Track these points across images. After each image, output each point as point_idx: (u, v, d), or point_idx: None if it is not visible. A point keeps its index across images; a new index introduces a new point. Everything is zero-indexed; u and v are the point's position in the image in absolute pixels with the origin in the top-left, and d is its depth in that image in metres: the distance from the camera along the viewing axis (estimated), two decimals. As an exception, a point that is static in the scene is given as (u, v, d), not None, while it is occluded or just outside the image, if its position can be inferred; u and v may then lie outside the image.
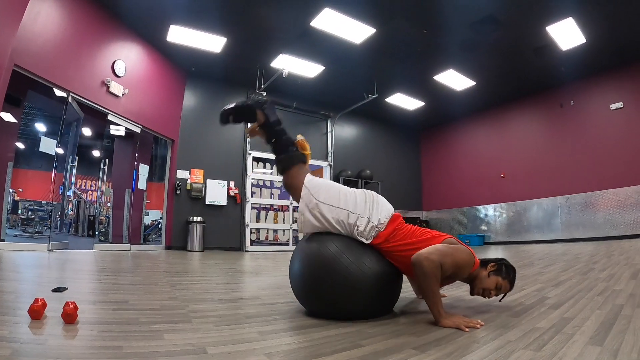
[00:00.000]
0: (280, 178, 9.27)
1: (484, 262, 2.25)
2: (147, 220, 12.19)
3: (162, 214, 10.42)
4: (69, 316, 1.71)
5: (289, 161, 2.36)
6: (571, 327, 1.75)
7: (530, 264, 5.22)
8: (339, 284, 2.02)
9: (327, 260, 2.08)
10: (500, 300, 2.35)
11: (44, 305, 1.76)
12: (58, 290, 2.51)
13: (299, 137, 2.42)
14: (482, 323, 1.86)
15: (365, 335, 1.72)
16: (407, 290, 2.51)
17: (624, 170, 9.95)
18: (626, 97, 10.24)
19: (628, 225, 9.65)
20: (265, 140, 2.49)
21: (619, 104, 10.31)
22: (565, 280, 3.36)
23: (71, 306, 1.73)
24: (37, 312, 1.72)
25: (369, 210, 2.21)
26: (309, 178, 2.31)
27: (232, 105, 2.47)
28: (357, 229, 2.16)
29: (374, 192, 2.37)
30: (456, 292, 2.92)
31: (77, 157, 11.30)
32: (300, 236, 2.38)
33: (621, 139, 10.17)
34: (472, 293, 2.28)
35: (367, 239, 2.17)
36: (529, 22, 8.38)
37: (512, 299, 2.54)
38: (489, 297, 2.25)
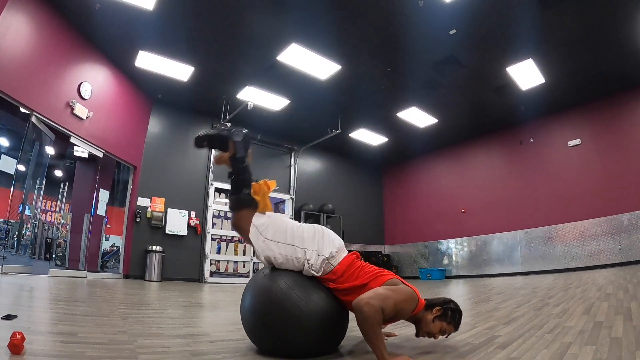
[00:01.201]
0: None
1: (430, 305, 2.28)
2: (107, 245, 11.91)
3: (121, 240, 10.22)
4: (16, 347, 1.68)
5: (238, 203, 2.37)
6: (516, 367, 1.78)
7: (487, 299, 5.30)
8: (286, 318, 2.04)
9: (276, 296, 2.10)
10: (446, 337, 2.37)
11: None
12: (8, 317, 2.45)
13: (260, 181, 2.42)
14: None
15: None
16: (356, 329, 2.53)
17: (582, 204, 10.29)
18: (583, 133, 10.70)
19: (587, 257, 9.93)
20: (227, 174, 2.50)
21: (577, 141, 10.75)
22: (519, 316, 3.42)
23: (18, 337, 1.69)
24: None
25: (317, 243, 2.25)
26: (257, 217, 2.33)
27: (209, 132, 2.50)
28: (308, 262, 2.19)
29: (322, 226, 2.40)
30: (405, 330, 2.94)
31: (44, 179, 11.06)
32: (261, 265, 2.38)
33: (579, 174, 10.58)
34: (417, 335, 2.31)
35: (318, 272, 2.20)
36: (489, 63, 8.74)
37: (461, 338, 2.57)
38: (434, 339, 2.28)
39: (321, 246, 2.24)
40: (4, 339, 1.78)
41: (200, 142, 2.52)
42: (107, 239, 11.41)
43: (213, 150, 2.62)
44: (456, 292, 7.31)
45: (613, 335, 2.32)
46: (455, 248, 13.25)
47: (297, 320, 2.04)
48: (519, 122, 11.91)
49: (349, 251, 2.37)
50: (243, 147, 2.43)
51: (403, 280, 2.24)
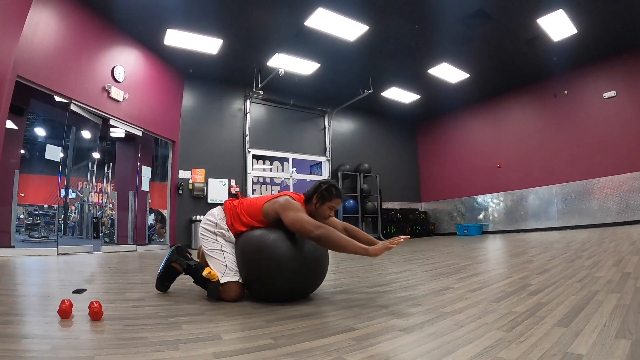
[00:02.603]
0: (281, 174, 9.45)
1: (308, 197, 2.61)
2: (151, 219, 12.36)
3: (165, 213, 10.63)
4: (96, 314, 1.91)
5: (215, 293, 2.53)
6: (544, 311, 1.93)
7: (522, 252, 5.41)
8: (271, 262, 2.38)
9: (265, 245, 2.44)
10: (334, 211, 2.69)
11: (71, 305, 1.96)
12: (78, 291, 2.69)
13: (205, 271, 2.57)
14: (405, 237, 2.21)
15: (358, 320, 1.92)
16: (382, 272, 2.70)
17: (618, 157, 10.15)
18: (618, 85, 10.42)
19: (623, 211, 9.86)
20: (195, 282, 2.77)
21: (612, 93, 10.49)
22: (551, 268, 3.54)
23: (96, 305, 1.92)
24: (65, 312, 1.92)
25: (210, 223, 2.68)
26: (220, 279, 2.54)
27: (158, 275, 2.81)
28: (224, 229, 2.62)
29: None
30: (446, 281, 3.12)
31: (93, 162, 11.49)
32: None
33: (614, 127, 10.37)
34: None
35: (227, 229, 2.62)
36: (519, 15, 8.54)
37: (496, 286, 2.72)
38: (331, 216, 2.64)
39: (211, 220, 2.69)
40: (82, 309, 2.03)
41: (163, 286, 2.84)
42: (151, 213, 11.82)
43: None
44: (492, 246, 7.42)
45: (639, 285, 2.43)
46: (492, 203, 13.27)
47: (281, 263, 2.37)
48: (552, 74, 11.66)
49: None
50: (182, 259, 2.76)
51: (271, 197, 2.60)
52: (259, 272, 2.40)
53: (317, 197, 2.55)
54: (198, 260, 2.89)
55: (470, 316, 1.92)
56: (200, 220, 9.69)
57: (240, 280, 2.50)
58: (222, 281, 2.47)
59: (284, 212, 2.41)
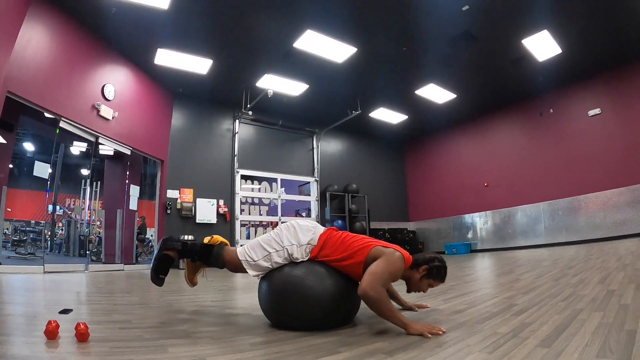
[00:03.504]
0: (269, 194, 9.43)
1: (416, 263, 2.49)
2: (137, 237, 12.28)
3: (152, 232, 10.56)
4: (82, 335, 1.89)
5: (218, 258, 2.58)
6: (528, 331, 1.96)
7: (509, 271, 5.45)
8: (303, 301, 2.30)
9: (292, 282, 2.36)
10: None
11: (58, 326, 1.95)
12: (64, 312, 2.67)
13: (206, 239, 2.63)
14: (444, 329, 2.07)
15: (343, 343, 1.94)
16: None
17: (604, 173, 10.29)
18: (603, 103, 10.62)
19: (610, 227, 9.96)
20: (192, 261, 2.77)
21: (597, 110, 10.68)
22: (537, 286, 3.58)
23: (83, 326, 1.91)
24: (52, 333, 1.91)
25: (293, 238, 2.48)
26: (239, 251, 2.55)
27: (152, 268, 2.72)
28: (293, 257, 2.43)
29: (293, 221, 2.62)
30: (432, 302, 3.14)
31: (86, 180, 11.42)
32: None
33: (600, 143, 10.53)
34: (408, 291, 2.56)
35: (305, 257, 2.44)
36: (504, 36, 8.72)
37: (482, 307, 2.75)
38: (424, 292, 2.54)
39: (297, 238, 2.47)
40: (68, 330, 2.02)
41: (158, 279, 2.75)
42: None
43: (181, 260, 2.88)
44: (481, 265, 7.47)
45: (622, 302, 2.46)
46: (480, 222, 13.35)
47: (314, 302, 2.29)
48: (538, 93, 11.86)
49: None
50: (172, 243, 2.71)
51: (386, 244, 2.44)
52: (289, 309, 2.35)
53: (427, 269, 2.46)
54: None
55: (454, 338, 1.94)
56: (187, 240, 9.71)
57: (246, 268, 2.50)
58: (239, 257, 2.49)
59: (382, 261, 2.29)
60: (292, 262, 2.45)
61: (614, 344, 1.59)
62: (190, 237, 9.85)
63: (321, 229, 2.58)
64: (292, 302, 2.31)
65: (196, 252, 2.67)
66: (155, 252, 2.74)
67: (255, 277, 2.51)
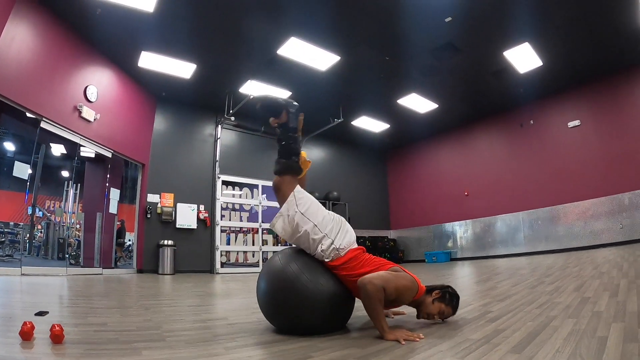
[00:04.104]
0: (250, 200, 9.38)
1: (430, 289, 2.48)
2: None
3: (132, 236, 10.45)
4: (57, 337, 1.88)
5: (286, 167, 2.59)
6: (500, 337, 1.97)
7: (487, 279, 5.49)
8: (297, 299, 2.26)
9: (288, 278, 2.31)
10: (443, 321, 2.53)
11: (33, 327, 1.93)
12: (40, 314, 2.64)
13: (304, 153, 2.62)
14: (422, 336, 2.07)
15: (317, 349, 1.93)
16: (362, 309, 2.74)
17: (583, 184, 10.48)
18: (583, 114, 10.83)
19: (588, 236, 10.13)
20: (276, 139, 2.68)
21: (576, 122, 10.88)
22: (513, 294, 3.61)
23: (58, 328, 1.89)
24: (27, 334, 1.89)
25: (334, 233, 2.46)
26: (299, 189, 2.55)
27: (268, 97, 2.68)
28: (321, 247, 2.40)
29: (343, 219, 2.61)
30: (408, 309, 3.15)
31: (67, 182, 11.26)
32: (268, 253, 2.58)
33: (579, 154, 10.74)
34: (418, 317, 2.52)
35: (326, 258, 2.41)
36: (486, 48, 8.86)
37: (457, 314, 2.75)
38: (433, 320, 2.48)
39: (336, 236, 2.45)
40: (43, 331, 2.00)
41: (256, 103, 2.70)
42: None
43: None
44: (459, 273, 7.50)
45: (596, 309, 2.48)
46: (460, 230, 13.45)
47: (307, 300, 2.26)
48: (519, 104, 12.05)
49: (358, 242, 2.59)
50: (295, 118, 2.63)
51: (405, 270, 2.44)
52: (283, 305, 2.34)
53: (441, 293, 2.46)
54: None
55: (426, 343, 1.95)
56: (167, 245, 9.65)
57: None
58: (293, 189, 2.54)
59: (395, 274, 2.31)
60: (290, 256, 2.44)
61: (585, 350, 1.60)
62: (170, 242, 9.79)
63: (354, 244, 2.56)
64: (285, 296, 2.30)
65: (287, 146, 2.64)
66: (284, 100, 2.67)
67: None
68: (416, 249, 14.71)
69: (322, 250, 2.41)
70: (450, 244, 13.70)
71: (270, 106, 2.66)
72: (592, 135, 10.62)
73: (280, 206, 2.58)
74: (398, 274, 2.33)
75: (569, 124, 11.06)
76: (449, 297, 2.47)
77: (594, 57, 9.44)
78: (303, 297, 2.26)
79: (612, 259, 6.38)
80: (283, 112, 2.62)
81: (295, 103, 2.67)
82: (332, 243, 2.42)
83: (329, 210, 2.64)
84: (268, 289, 2.40)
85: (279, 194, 2.61)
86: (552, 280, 4.42)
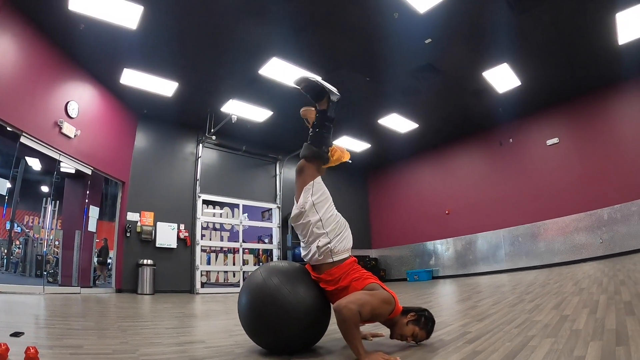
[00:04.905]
0: (231, 220, 9.29)
1: (406, 311, 2.49)
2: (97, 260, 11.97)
3: (111, 255, 10.30)
4: (32, 360, 1.84)
5: (315, 155, 2.59)
6: (478, 359, 1.99)
7: (467, 298, 5.52)
8: (278, 310, 2.28)
9: (269, 291, 2.33)
10: (416, 343, 2.51)
11: (7, 349, 1.89)
12: (16, 335, 2.59)
13: (335, 145, 2.65)
14: (399, 359, 2.07)
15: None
16: (336, 331, 2.72)
17: (562, 200, 10.63)
18: (561, 132, 11.04)
19: (569, 251, 10.25)
20: (310, 125, 2.70)
21: (555, 140, 11.09)
22: (493, 313, 3.63)
23: (32, 350, 1.86)
24: (1, 356, 1.85)
25: (334, 234, 2.49)
26: (319, 180, 2.59)
27: (315, 80, 2.66)
28: (317, 243, 2.44)
29: (347, 224, 2.66)
30: (386, 331, 3.15)
31: (47, 198, 11.05)
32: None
33: (558, 171, 10.91)
34: (391, 337, 2.53)
35: (320, 256, 2.45)
36: (466, 69, 9.01)
37: (434, 335, 2.73)
38: (406, 342, 2.48)
39: (334, 238, 2.48)
40: (18, 353, 1.94)
41: (300, 82, 2.69)
42: (97, 254, 11.47)
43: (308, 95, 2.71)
44: (440, 291, 7.53)
45: (574, 327, 2.51)
46: (441, 249, 13.49)
47: (287, 311, 2.28)
48: (498, 123, 12.22)
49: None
50: (335, 108, 2.64)
51: (384, 286, 2.44)
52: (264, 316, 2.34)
53: (416, 316, 2.45)
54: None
55: (404, 367, 1.94)
56: (146, 264, 9.52)
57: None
58: (313, 180, 2.56)
59: (371, 293, 2.31)
60: (270, 271, 2.44)
61: (562, 370, 1.62)
62: (150, 261, 9.65)
63: (348, 252, 2.59)
64: (266, 309, 2.30)
65: (321, 133, 2.65)
66: (329, 88, 2.66)
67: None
68: (398, 267, 14.70)
69: (317, 247, 2.44)
70: (432, 262, 13.71)
71: (314, 88, 2.65)
72: (570, 153, 10.81)
73: (296, 189, 2.61)
74: (375, 292, 2.33)
75: (547, 141, 11.25)
76: (424, 321, 2.47)
77: (572, 76, 9.65)
78: (284, 309, 2.28)
79: (592, 273, 6.46)
80: (325, 98, 2.63)
81: (338, 94, 2.66)
82: (328, 243, 2.45)
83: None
84: (249, 303, 2.40)
85: (300, 177, 2.62)
86: (532, 298, 4.46)
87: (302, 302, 2.32)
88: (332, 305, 2.24)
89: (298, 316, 2.29)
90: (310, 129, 2.68)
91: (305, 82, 2.67)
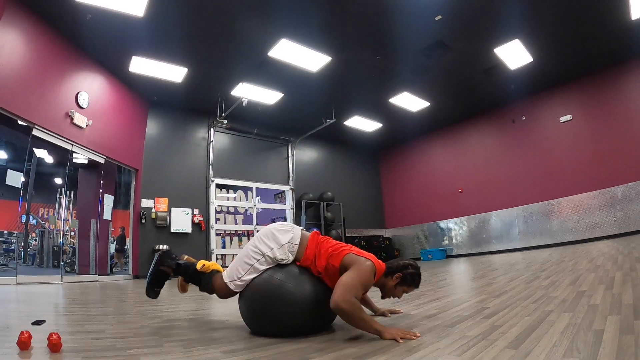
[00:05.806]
0: (244, 203, 9.36)
1: (390, 270, 2.50)
2: (113, 247, 12.11)
3: (128, 242, 10.40)
4: (55, 346, 1.87)
5: (208, 285, 2.64)
6: (497, 333, 1.98)
7: (482, 275, 5.51)
8: (284, 306, 2.30)
9: (273, 287, 2.36)
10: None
11: (30, 337, 1.92)
12: (37, 323, 2.62)
13: (199, 264, 2.68)
14: (419, 334, 2.08)
15: (314, 350, 1.94)
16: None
17: (576, 178, 10.55)
18: (574, 109, 10.91)
19: (583, 230, 10.22)
20: (185, 281, 2.86)
21: (568, 117, 10.96)
22: (509, 290, 3.62)
23: (55, 337, 1.89)
24: (25, 343, 1.88)
25: (272, 242, 2.49)
26: (225, 275, 2.56)
27: (148, 282, 2.84)
28: (277, 259, 2.46)
29: (267, 227, 2.63)
30: (405, 307, 3.16)
31: (60, 189, 11.15)
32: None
33: (572, 149, 10.82)
34: (382, 297, 2.58)
35: (291, 257, 2.48)
36: (476, 46, 8.87)
37: (452, 311, 2.76)
38: (399, 298, 2.57)
39: (277, 240, 2.49)
40: (41, 340, 1.99)
41: (153, 292, 2.88)
42: (112, 242, 11.60)
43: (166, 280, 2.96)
44: (455, 270, 7.52)
45: (592, 302, 2.50)
46: (455, 227, 13.49)
47: (293, 307, 2.29)
48: (510, 101, 12.10)
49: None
50: (168, 260, 2.82)
51: (359, 251, 2.45)
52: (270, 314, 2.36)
53: (401, 276, 2.48)
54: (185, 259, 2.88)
55: (423, 342, 1.95)
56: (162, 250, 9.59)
57: (235, 290, 2.49)
58: (225, 280, 2.50)
59: (353, 271, 2.30)
60: (276, 266, 2.46)
61: (581, 344, 1.61)
62: (166, 247, 9.73)
63: (298, 228, 2.60)
64: (272, 306, 2.31)
65: (189, 275, 2.74)
66: (152, 266, 2.82)
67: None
68: (412, 247, 14.73)
69: (281, 257, 2.46)
70: (445, 241, 13.73)
71: (158, 278, 2.88)
72: (584, 130, 10.69)
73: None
74: (356, 267, 2.32)
75: (560, 118, 11.13)
76: (411, 279, 2.50)
77: (584, 52, 9.49)
78: (289, 304, 2.29)
79: (607, 251, 6.41)
80: (162, 269, 2.85)
81: (157, 254, 2.90)
82: (279, 247, 2.47)
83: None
84: (253, 302, 2.43)
85: (230, 295, 2.61)
86: (547, 275, 4.44)
87: (308, 296, 2.35)
88: (331, 306, 2.25)
89: (305, 309, 2.32)
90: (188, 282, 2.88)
91: (153, 285, 2.88)
